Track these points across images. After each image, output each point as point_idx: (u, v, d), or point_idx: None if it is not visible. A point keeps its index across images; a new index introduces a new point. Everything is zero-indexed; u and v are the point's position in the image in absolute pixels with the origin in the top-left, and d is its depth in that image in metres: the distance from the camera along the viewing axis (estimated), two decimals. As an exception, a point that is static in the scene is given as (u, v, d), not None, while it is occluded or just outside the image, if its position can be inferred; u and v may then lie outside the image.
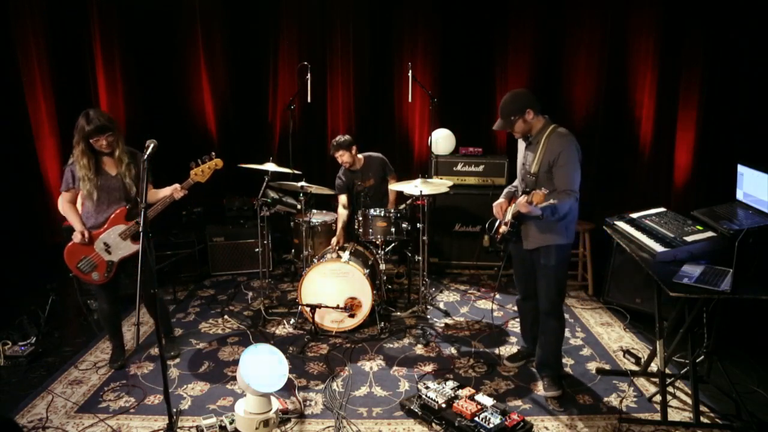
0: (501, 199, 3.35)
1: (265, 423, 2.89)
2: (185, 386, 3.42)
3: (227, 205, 5.52)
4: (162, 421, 3.03)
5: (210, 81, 5.85)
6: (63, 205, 3.41)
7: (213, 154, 3.43)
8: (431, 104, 4.77)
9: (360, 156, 4.88)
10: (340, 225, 4.85)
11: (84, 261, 3.42)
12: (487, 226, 3.42)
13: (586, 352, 3.89)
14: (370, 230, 4.47)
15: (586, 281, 5.01)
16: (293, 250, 5.02)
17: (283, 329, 4.23)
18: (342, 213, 4.89)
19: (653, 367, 3.46)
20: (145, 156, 2.73)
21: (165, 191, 3.43)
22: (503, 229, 3.24)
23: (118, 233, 3.40)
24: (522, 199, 2.93)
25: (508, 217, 3.17)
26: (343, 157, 4.73)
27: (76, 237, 3.36)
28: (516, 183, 3.42)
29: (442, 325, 4.33)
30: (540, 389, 3.39)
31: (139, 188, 2.76)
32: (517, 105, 3.09)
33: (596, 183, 5.50)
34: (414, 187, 4.26)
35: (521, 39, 5.68)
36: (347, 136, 4.77)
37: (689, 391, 3.23)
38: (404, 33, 5.81)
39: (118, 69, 5.54)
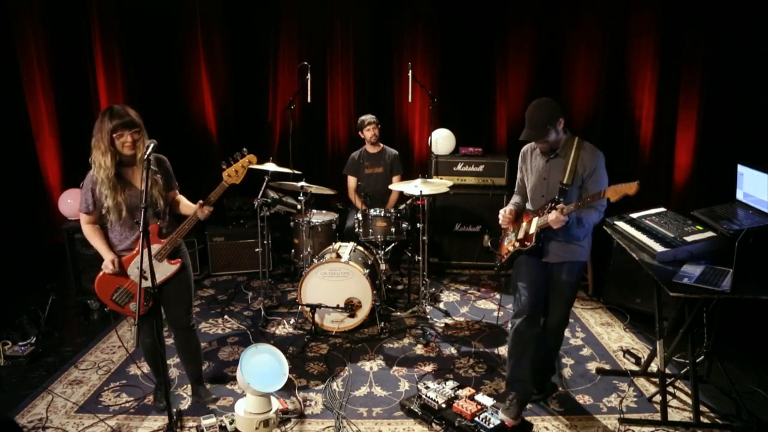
0: (508, 214, 3.12)
1: (265, 423, 2.89)
2: (185, 386, 3.41)
3: (227, 205, 5.51)
4: (162, 421, 3.04)
5: (210, 81, 5.84)
6: (85, 228, 2.92)
7: (245, 150, 3.02)
8: (431, 104, 4.78)
9: (380, 144, 5.19)
10: (356, 196, 5.23)
11: (119, 292, 2.93)
12: (490, 244, 3.23)
13: (586, 352, 3.89)
14: (370, 230, 4.48)
15: (586, 281, 5.01)
16: (293, 250, 5.02)
17: (283, 329, 4.23)
18: (353, 189, 5.28)
19: (653, 367, 3.46)
20: (146, 156, 2.63)
21: (191, 209, 3.03)
22: (515, 246, 3.05)
23: (152, 254, 2.85)
24: (552, 214, 2.78)
25: (533, 229, 2.94)
26: (369, 132, 5.04)
27: (106, 266, 2.87)
28: (516, 200, 3.22)
29: (442, 325, 4.33)
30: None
31: (142, 189, 2.68)
32: (552, 114, 2.90)
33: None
34: (414, 187, 4.26)
35: (521, 39, 5.68)
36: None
37: (689, 391, 3.24)
38: (404, 33, 5.81)
39: (118, 69, 5.52)
